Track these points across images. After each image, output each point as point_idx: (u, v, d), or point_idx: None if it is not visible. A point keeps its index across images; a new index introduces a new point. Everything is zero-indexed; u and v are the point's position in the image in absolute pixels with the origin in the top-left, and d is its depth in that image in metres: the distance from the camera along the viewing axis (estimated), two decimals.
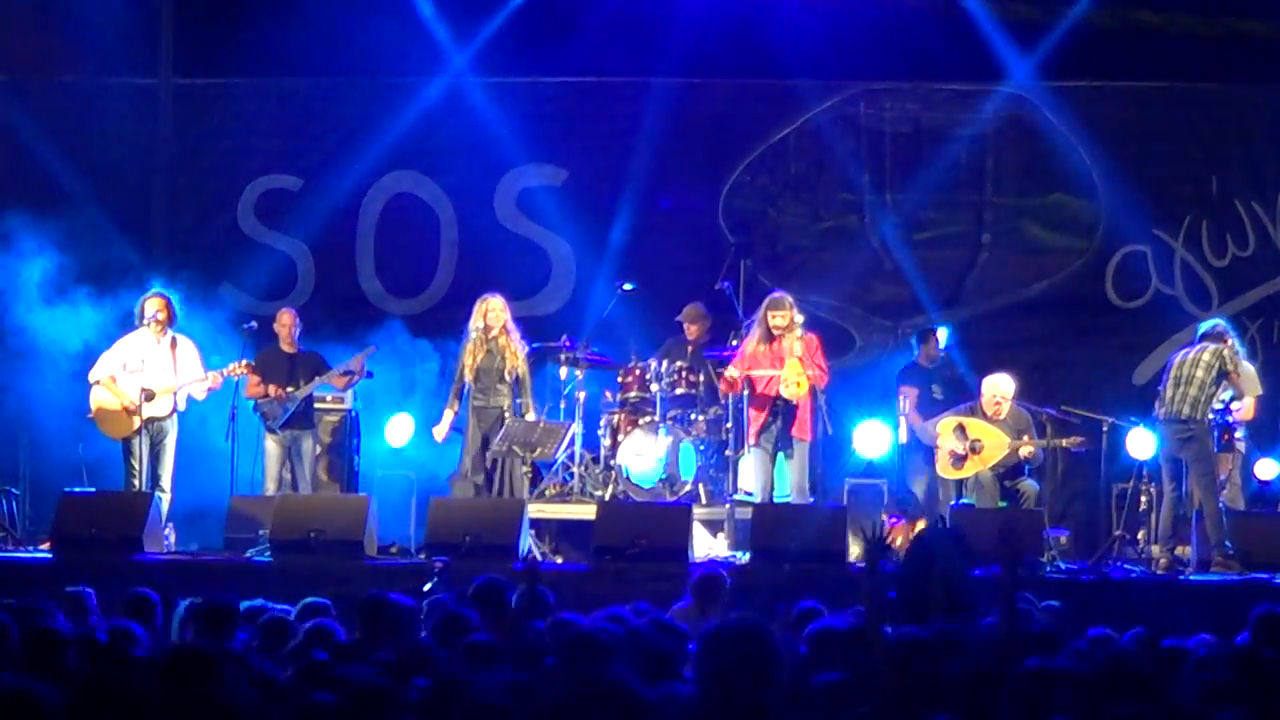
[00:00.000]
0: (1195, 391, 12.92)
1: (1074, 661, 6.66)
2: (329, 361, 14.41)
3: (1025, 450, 13.77)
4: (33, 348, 15.12)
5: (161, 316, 13.60)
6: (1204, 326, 13.49)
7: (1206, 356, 12.99)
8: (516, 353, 13.97)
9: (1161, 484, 13.43)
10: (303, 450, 14.23)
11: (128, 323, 13.98)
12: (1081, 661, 6.68)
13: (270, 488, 14.02)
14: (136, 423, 13.42)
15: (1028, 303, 16.09)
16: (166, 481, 13.54)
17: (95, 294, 15.13)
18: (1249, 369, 13.63)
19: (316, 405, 14.54)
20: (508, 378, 13.94)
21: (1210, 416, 13.06)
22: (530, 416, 13.94)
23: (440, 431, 14.09)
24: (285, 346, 14.45)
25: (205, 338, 14.36)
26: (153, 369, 13.55)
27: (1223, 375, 12.99)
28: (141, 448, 13.41)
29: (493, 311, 13.95)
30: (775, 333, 13.48)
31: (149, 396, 13.39)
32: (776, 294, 13.74)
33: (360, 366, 14.36)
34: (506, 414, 13.88)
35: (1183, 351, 13.22)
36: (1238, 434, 13.60)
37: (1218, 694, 6.35)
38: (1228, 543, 12.73)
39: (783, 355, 13.48)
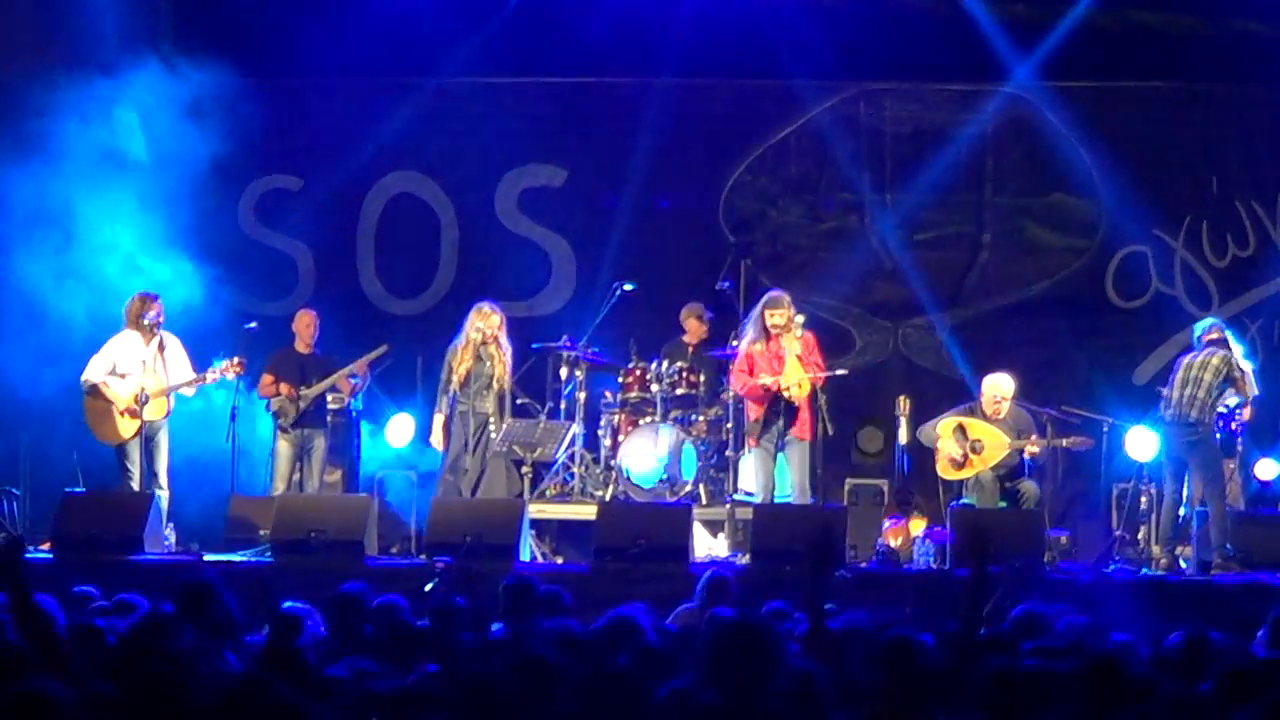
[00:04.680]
0: (1202, 394, 12.92)
1: (1070, 661, 6.67)
2: (342, 363, 14.42)
3: (1031, 450, 13.77)
4: (33, 347, 15.10)
5: (157, 320, 13.57)
6: (1199, 328, 13.48)
7: (1215, 361, 12.99)
8: (505, 363, 14.01)
9: (1161, 484, 13.44)
10: (314, 450, 14.27)
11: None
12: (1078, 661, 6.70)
13: (279, 487, 14.03)
14: (131, 428, 13.39)
15: (1028, 303, 16.08)
16: (164, 479, 13.51)
17: (96, 293, 15.13)
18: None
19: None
20: (494, 386, 13.97)
21: (1216, 420, 13.05)
22: (508, 420, 13.95)
23: (436, 439, 14.09)
24: (301, 347, 14.47)
25: (205, 339, 14.35)
26: (143, 371, 13.50)
27: (1229, 381, 13.00)
28: (137, 451, 13.38)
29: (486, 322, 13.94)
30: (773, 332, 13.45)
31: (144, 401, 13.36)
32: (774, 293, 13.73)
33: (365, 373, 14.38)
34: (491, 420, 13.90)
35: (1189, 355, 13.22)
36: (1238, 441, 13.59)
37: (1231, 693, 6.36)
38: (1228, 544, 12.73)
39: (781, 355, 13.47)
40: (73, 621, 7.32)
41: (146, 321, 13.54)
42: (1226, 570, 12.57)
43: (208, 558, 12.59)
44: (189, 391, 13.71)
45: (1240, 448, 13.72)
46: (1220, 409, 13.15)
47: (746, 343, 13.61)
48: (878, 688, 6.13)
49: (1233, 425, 13.41)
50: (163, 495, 13.33)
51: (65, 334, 14.89)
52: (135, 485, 13.36)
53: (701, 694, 5.36)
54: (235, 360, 13.65)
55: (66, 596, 8.73)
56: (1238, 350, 13.28)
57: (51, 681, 5.11)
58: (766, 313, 13.49)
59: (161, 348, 13.58)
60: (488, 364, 13.96)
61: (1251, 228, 15.87)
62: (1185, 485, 13.10)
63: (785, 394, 13.36)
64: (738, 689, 5.33)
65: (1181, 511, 13.17)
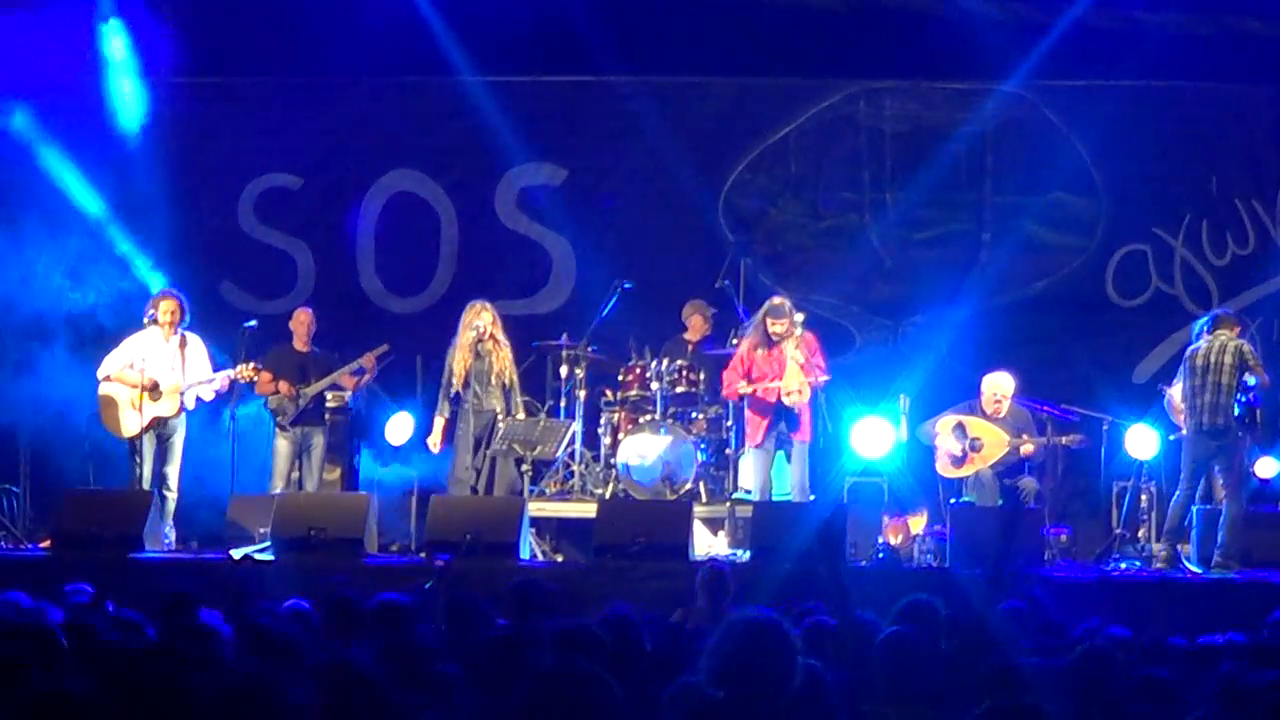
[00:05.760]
0: (1225, 400, 12.75)
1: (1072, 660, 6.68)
2: (341, 362, 14.41)
3: (1026, 449, 13.77)
4: (33, 345, 15.10)
5: (175, 318, 13.55)
6: (1200, 323, 13.39)
7: (1228, 359, 12.79)
8: (505, 357, 14.00)
9: (1161, 483, 13.43)
10: (313, 448, 14.26)
11: (132, 322, 13.93)
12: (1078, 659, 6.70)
13: (278, 485, 14.01)
14: (137, 424, 13.37)
15: (1028, 301, 16.08)
16: (174, 481, 13.46)
17: (96, 293, 15.13)
18: None
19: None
20: (496, 381, 13.97)
21: (1236, 411, 12.95)
22: (520, 415, 13.97)
23: (435, 441, 14.05)
24: (299, 345, 14.47)
25: (205, 337, 14.34)
26: (160, 368, 13.49)
27: (1244, 369, 12.87)
28: (145, 447, 13.37)
29: (482, 320, 13.95)
30: (774, 339, 13.51)
31: (153, 388, 13.33)
32: (776, 300, 13.75)
33: (372, 366, 14.39)
34: (500, 416, 13.90)
35: (1201, 349, 12.97)
36: (1258, 411, 13.46)
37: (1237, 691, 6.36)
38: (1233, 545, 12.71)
39: (783, 361, 13.48)
40: (69, 620, 7.33)
41: (167, 320, 13.52)
42: (1226, 569, 12.57)
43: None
44: (207, 393, 13.65)
45: (1259, 421, 13.56)
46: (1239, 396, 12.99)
47: (748, 345, 13.63)
48: (884, 684, 6.14)
49: (1250, 395, 13.25)
50: (170, 498, 13.31)
51: (67, 334, 14.92)
52: (142, 483, 13.33)
53: (710, 691, 5.36)
54: (250, 364, 13.67)
55: (63, 594, 8.75)
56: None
57: (82, 681, 5.12)
58: (768, 321, 13.52)
59: (183, 345, 13.57)
60: (488, 360, 13.96)
61: (1251, 226, 15.87)
62: (1199, 488, 13.03)
63: (785, 399, 13.40)
64: (748, 687, 5.33)
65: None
